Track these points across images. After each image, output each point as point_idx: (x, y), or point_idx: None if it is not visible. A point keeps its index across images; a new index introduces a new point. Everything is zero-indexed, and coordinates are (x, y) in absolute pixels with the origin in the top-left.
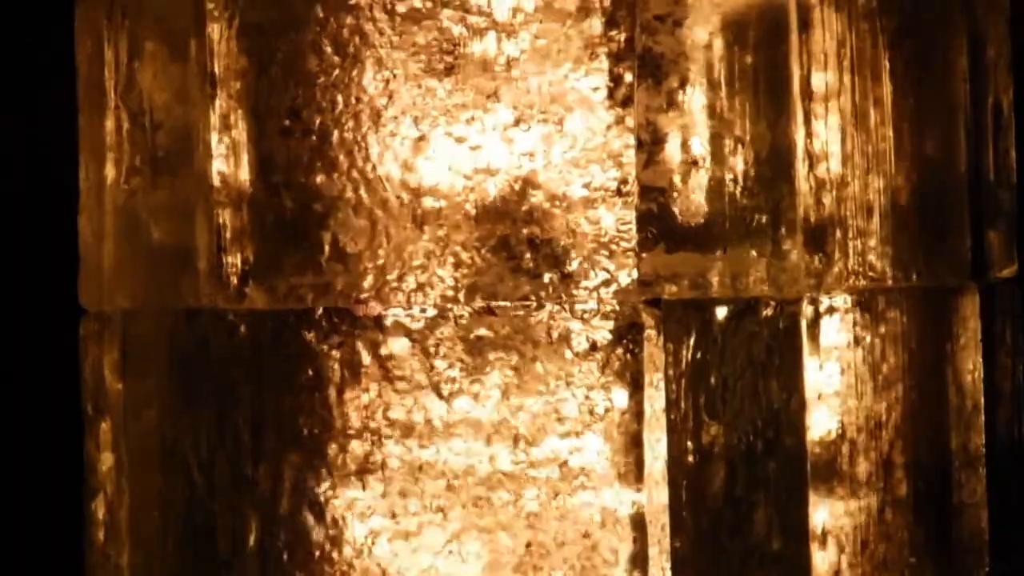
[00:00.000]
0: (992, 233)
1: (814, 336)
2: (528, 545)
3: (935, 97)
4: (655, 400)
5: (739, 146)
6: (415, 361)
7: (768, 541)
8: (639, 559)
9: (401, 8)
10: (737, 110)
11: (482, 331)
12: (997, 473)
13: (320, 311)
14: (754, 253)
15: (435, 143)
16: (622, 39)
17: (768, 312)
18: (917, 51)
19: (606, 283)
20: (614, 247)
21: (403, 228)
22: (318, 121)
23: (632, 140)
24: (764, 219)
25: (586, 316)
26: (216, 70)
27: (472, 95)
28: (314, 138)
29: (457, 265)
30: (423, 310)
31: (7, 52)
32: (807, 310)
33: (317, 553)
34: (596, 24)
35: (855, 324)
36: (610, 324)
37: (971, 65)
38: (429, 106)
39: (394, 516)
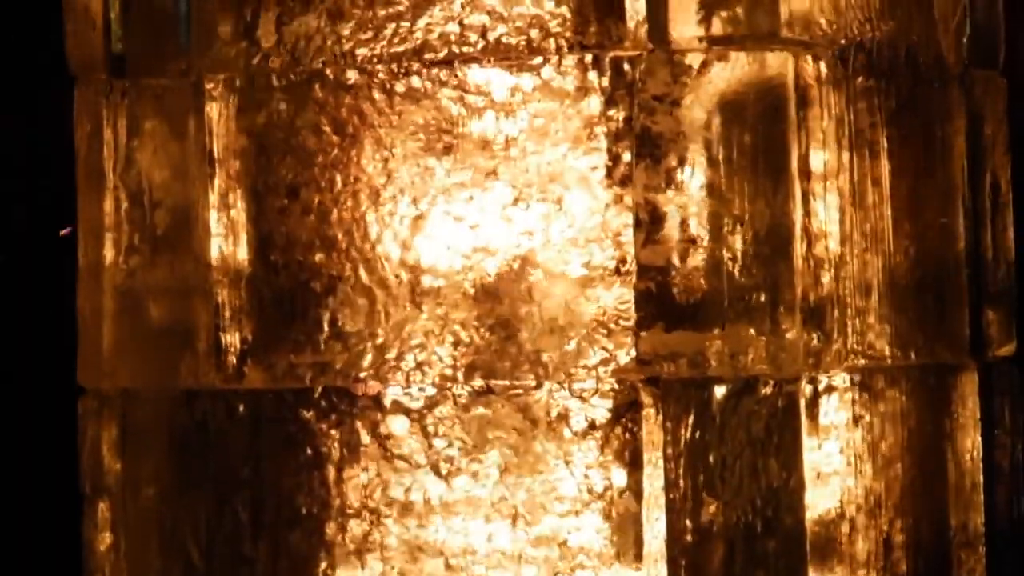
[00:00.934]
0: (991, 312)
1: (813, 415)
2: None
3: (933, 175)
4: (654, 479)
5: (738, 225)
6: (414, 440)
7: None
8: None
9: (400, 88)
10: (736, 189)
11: (481, 410)
12: (996, 552)
13: (319, 390)
14: (753, 331)
15: (434, 222)
16: (621, 118)
17: (767, 391)
18: (915, 129)
19: (605, 362)
20: (613, 326)
21: (402, 307)
22: (317, 200)
23: (631, 219)
24: (763, 297)
25: (585, 395)
26: (215, 149)
27: (471, 174)
28: (313, 217)
29: (456, 344)
30: (422, 389)
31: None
32: (806, 389)
33: None
34: (595, 103)
35: (854, 403)
36: (609, 403)
37: (969, 144)
38: (428, 185)
39: None
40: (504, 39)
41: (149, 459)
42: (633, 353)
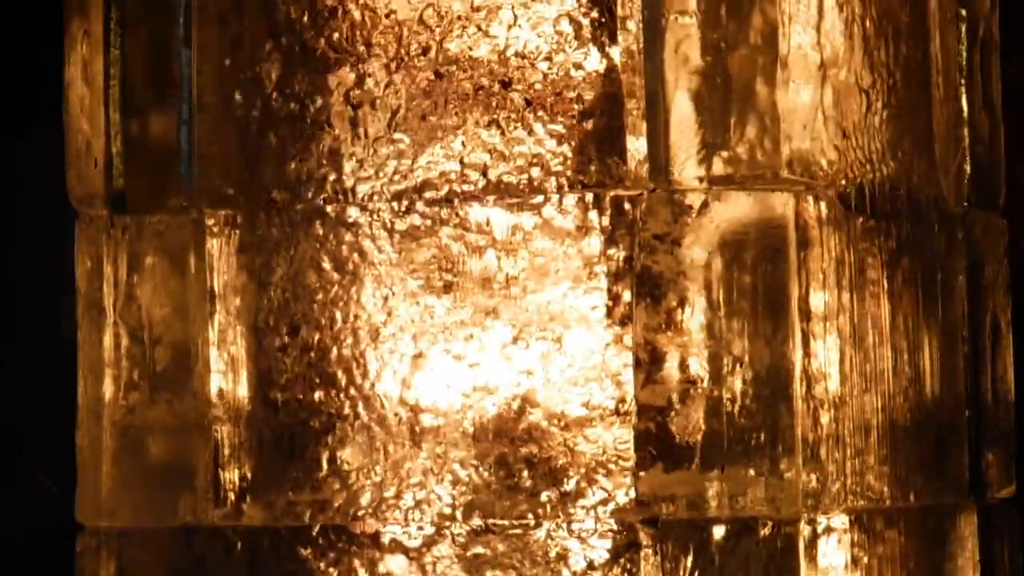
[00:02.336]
0: (990, 453)
1: (812, 556)
2: None
3: (934, 316)
4: None
5: (737, 366)
6: None
7: None
8: None
9: (401, 226)
10: (735, 329)
11: (479, 549)
12: None
13: (317, 528)
14: (752, 472)
15: (433, 360)
16: (621, 258)
17: (766, 532)
18: (916, 270)
19: (604, 502)
20: (612, 466)
21: (401, 445)
22: (317, 338)
23: (630, 359)
24: (762, 438)
25: (584, 535)
26: (215, 285)
27: (471, 313)
28: (312, 354)
29: (455, 483)
30: (420, 527)
31: None
32: (804, 530)
33: None
34: (595, 242)
35: (853, 544)
36: (608, 543)
37: (969, 285)
38: (428, 324)
39: None
40: (505, 177)
41: None
42: (632, 494)
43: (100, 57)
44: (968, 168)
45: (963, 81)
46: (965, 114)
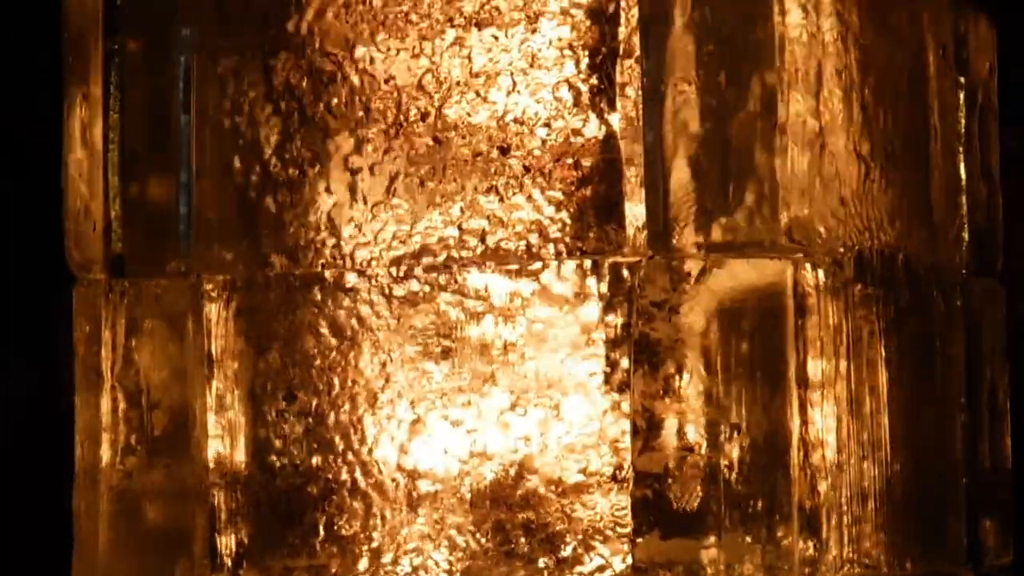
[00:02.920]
0: (988, 522)
1: None
2: None
3: (932, 383)
4: None
5: (735, 433)
6: None
7: None
8: None
9: (399, 292)
10: (733, 396)
11: None
12: None
13: None
14: (749, 539)
15: (431, 427)
16: (619, 324)
17: None
18: (914, 337)
19: (600, 569)
20: (609, 532)
21: (398, 511)
22: (314, 403)
23: (628, 426)
24: (759, 506)
25: None
26: (213, 350)
27: (469, 379)
28: (310, 420)
29: (452, 549)
30: None
31: None
32: None
33: None
34: (593, 309)
35: None
36: None
37: (967, 352)
38: (425, 389)
39: None
40: (503, 244)
41: None
42: (629, 560)
43: (99, 121)
44: (966, 235)
45: (962, 148)
46: (963, 181)
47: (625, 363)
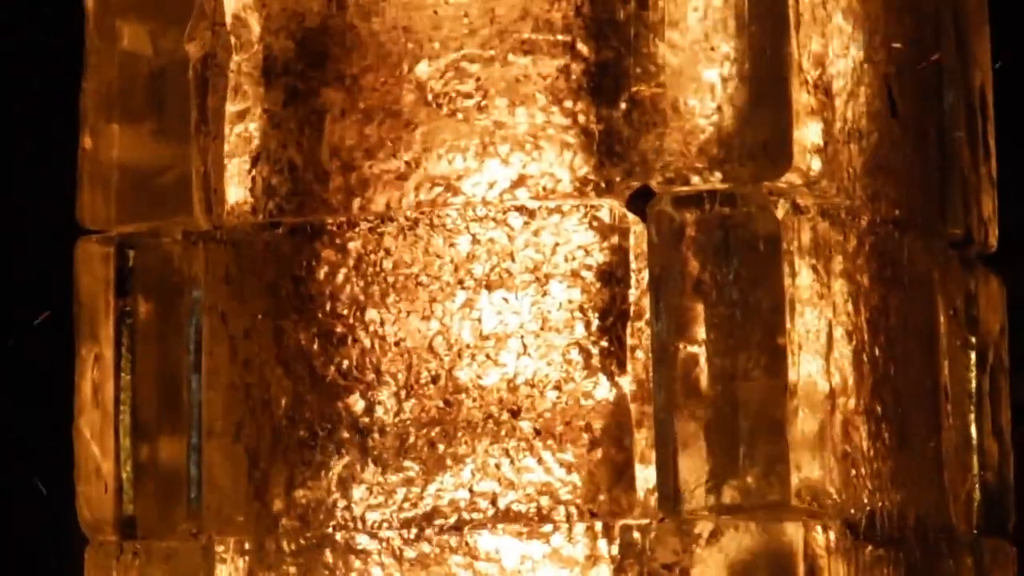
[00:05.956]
0: None
1: None
2: None
3: None
4: None
5: None
6: None
7: None
8: None
9: (410, 553)
10: None
11: None
12: None
13: None
14: None
15: None
16: None
17: None
18: None
19: None
20: None
21: None
22: None
23: None
24: None
25: None
26: None
27: None
28: None
29: None
30: None
31: None
32: None
33: None
34: (604, 573)
35: None
36: None
37: None
38: None
39: None
40: (514, 506)
41: None
42: None
43: (110, 382)
44: (977, 495)
45: (972, 408)
46: (974, 441)
47: None
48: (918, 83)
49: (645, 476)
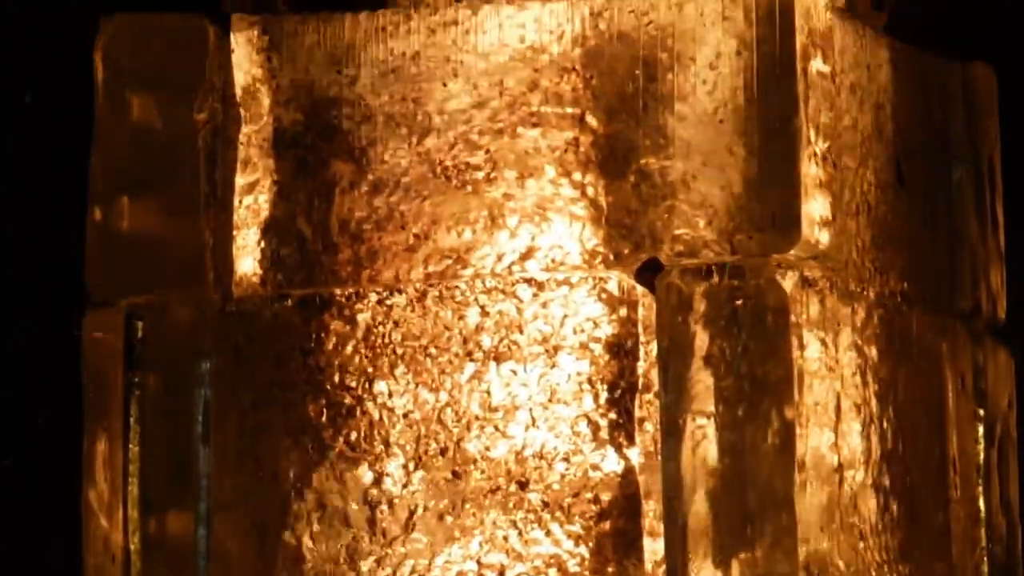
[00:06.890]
0: None
1: None
2: None
3: None
4: None
5: None
6: None
7: None
8: None
9: None
10: None
11: None
12: None
13: None
14: None
15: None
16: None
17: None
18: None
19: None
20: None
21: None
22: None
23: None
24: None
25: None
26: None
27: None
28: None
29: None
30: None
31: None
32: None
33: None
34: None
35: None
36: None
37: None
38: None
39: None
40: None
41: None
42: None
43: (119, 454)
44: (986, 569)
45: (981, 481)
46: (983, 514)
47: None
48: (926, 155)
49: (653, 548)
